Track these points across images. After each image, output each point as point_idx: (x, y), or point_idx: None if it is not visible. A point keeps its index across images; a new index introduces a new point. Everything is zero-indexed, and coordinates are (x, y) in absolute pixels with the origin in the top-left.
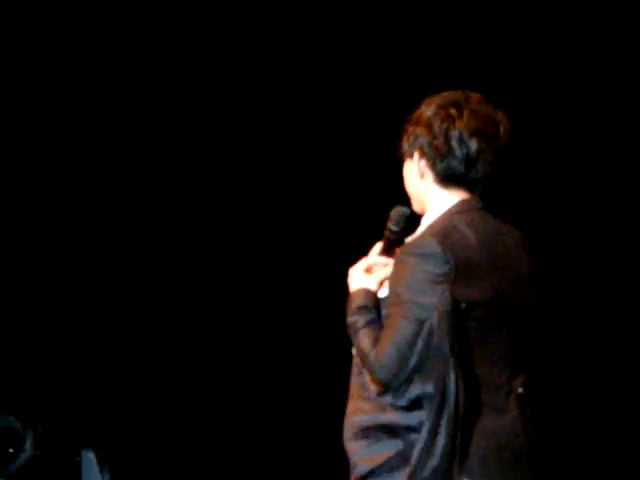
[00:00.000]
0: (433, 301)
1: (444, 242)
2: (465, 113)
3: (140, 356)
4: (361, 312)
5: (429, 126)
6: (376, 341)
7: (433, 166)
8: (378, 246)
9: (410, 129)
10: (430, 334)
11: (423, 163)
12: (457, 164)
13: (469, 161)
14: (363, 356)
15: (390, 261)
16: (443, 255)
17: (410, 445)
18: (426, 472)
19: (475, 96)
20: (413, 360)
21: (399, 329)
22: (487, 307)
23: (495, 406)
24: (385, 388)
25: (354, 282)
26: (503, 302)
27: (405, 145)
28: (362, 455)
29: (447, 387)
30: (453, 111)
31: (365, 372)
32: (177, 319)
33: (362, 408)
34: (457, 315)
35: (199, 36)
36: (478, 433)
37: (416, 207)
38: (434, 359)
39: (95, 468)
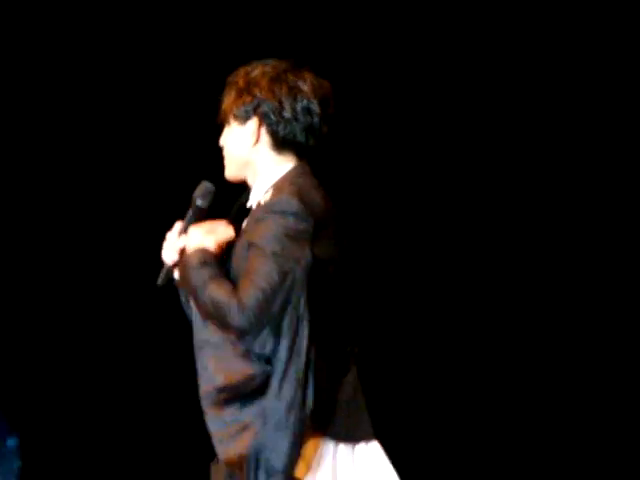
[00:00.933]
0: (296, 255)
1: (302, 201)
2: (308, 83)
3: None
4: (205, 266)
5: (272, 92)
6: (232, 290)
7: (274, 132)
8: (179, 224)
9: (246, 94)
10: (291, 288)
11: (263, 128)
12: (299, 132)
13: (310, 130)
14: (217, 305)
15: (216, 226)
16: (304, 212)
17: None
18: (273, 421)
19: (305, 67)
20: (274, 308)
21: (264, 275)
22: (335, 267)
23: (341, 364)
24: (243, 334)
25: (190, 242)
26: (342, 264)
27: (239, 109)
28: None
29: (299, 343)
30: (297, 79)
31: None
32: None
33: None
34: (314, 272)
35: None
36: (326, 390)
37: (236, 172)
38: (290, 313)
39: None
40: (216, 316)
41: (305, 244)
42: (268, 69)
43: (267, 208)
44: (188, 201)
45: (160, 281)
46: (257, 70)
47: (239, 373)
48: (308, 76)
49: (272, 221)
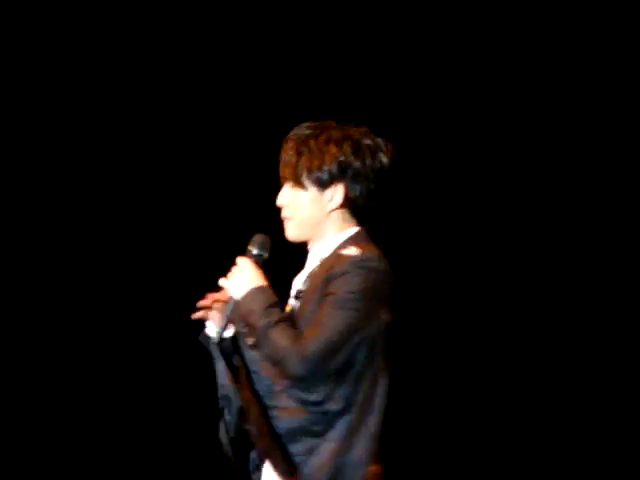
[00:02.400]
0: (372, 314)
1: (387, 262)
2: (385, 148)
3: None
4: (271, 311)
5: (357, 156)
6: (296, 337)
7: (354, 197)
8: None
9: (327, 157)
10: (358, 345)
11: (340, 187)
12: (367, 195)
13: (374, 195)
14: (279, 351)
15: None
16: (389, 273)
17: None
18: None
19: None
20: (335, 364)
21: (334, 328)
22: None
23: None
24: (297, 381)
25: (245, 282)
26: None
27: (322, 173)
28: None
29: (375, 394)
30: (375, 144)
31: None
32: None
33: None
34: (390, 331)
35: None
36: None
37: (305, 235)
38: (366, 367)
39: None
40: (275, 361)
41: (384, 304)
42: (338, 132)
43: (354, 262)
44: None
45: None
46: (330, 132)
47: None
48: (381, 141)
49: (356, 276)
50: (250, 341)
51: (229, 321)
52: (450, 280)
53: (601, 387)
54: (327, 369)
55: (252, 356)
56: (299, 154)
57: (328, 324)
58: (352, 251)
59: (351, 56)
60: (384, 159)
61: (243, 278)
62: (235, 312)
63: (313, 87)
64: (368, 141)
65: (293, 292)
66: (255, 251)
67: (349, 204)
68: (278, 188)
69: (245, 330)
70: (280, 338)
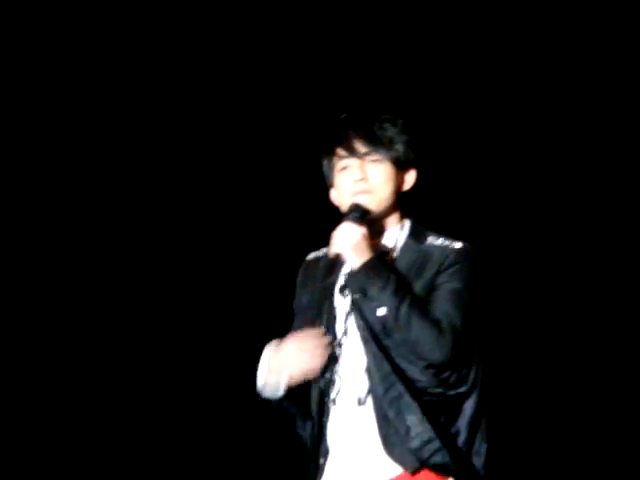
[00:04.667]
0: (474, 303)
1: None
2: None
3: None
4: (400, 290)
5: (420, 137)
6: (432, 320)
7: (416, 177)
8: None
9: (411, 140)
10: (475, 328)
11: (413, 171)
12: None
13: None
14: (418, 332)
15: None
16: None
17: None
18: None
19: None
20: (466, 349)
21: (463, 319)
22: None
23: None
24: (435, 364)
25: (361, 250)
26: None
27: (408, 153)
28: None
29: (478, 376)
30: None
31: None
32: None
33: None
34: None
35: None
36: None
37: (381, 210)
38: (480, 349)
39: None
40: (416, 345)
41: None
42: (390, 113)
43: (464, 253)
44: None
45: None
46: (387, 114)
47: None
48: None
49: (466, 267)
50: (382, 311)
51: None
52: None
53: (601, 387)
54: (460, 355)
55: (387, 329)
56: (379, 132)
57: (458, 313)
58: (449, 243)
59: (351, 57)
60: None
61: (357, 244)
62: (355, 283)
63: (311, 88)
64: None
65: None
66: (357, 214)
67: (409, 188)
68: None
69: (370, 303)
70: (418, 319)
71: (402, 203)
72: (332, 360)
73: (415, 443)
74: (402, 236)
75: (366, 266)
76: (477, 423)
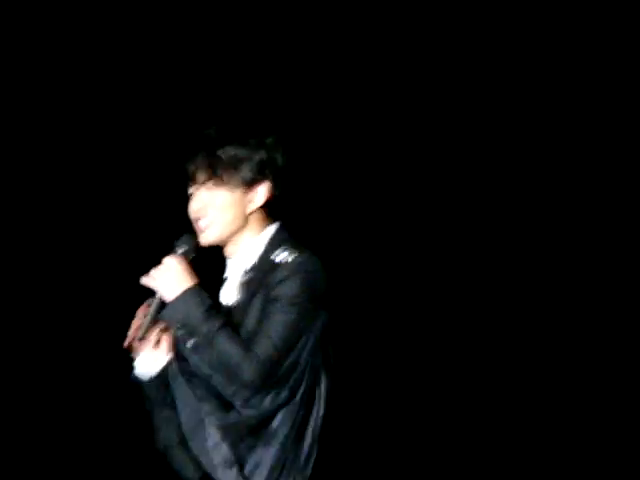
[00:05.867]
0: (315, 315)
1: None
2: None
3: None
4: (212, 314)
5: (277, 151)
6: (243, 344)
7: (274, 192)
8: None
9: (250, 153)
10: (304, 347)
11: (263, 186)
12: (283, 191)
13: (287, 190)
14: (231, 358)
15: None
16: (325, 275)
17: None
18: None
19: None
20: (285, 367)
21: (282, 334)
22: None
23: None
24: (251, 388)
25: (176, 283)
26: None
27: (245, 172)
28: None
29: (317, 395)
30: (273, 137)
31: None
32: None
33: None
34: (326, 329)
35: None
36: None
37: (226, 237)
38: (310, 364)
39: None
40: (225, 368)
41: (323, 304)
42: (250, 132)
43: (291, 267)
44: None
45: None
46: (244, 133)
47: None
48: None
49: (296, 280)
50: (190, 344)
51: (154, 322)
52: (446, 280)
53: (600, 387)
54: (278, 373)
55: (196, 360)
56: (219, 155)
57: (277, 330)
58: (286, 256)
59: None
60: (285, 157)
61: (173, 278)
62: (168, 315)
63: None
64: (271, 140)
65: (225, 302)
66: (181, 250)
67: (270, 200)
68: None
69: (183, 333)
70: (229, 344)
71: (271, 210)
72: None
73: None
74: (258, 250)
75: (178, 298)
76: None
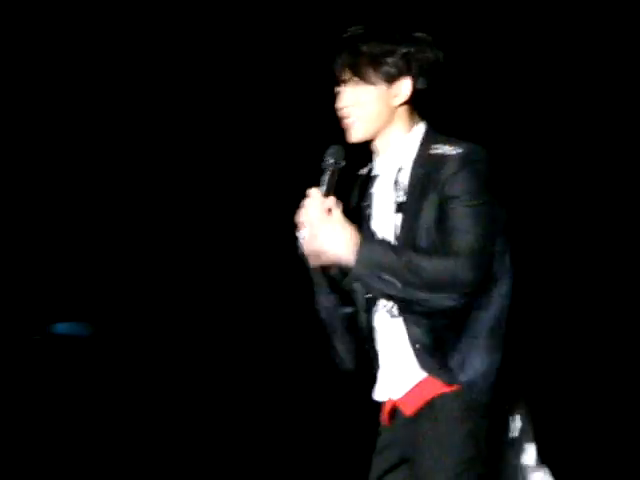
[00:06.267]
0: (497, 198)
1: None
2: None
3: None
4: (397, 250)
5: (426, 45)
6: (441, 254)
7: (416, 86)
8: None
9: (395, 48)
10: (500, 231)
11: (406, 81)
12: (430, 89)
13: (435, 90)
14: (442, 272)
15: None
16: (493, 164)
17: None
18: None
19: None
20: (491, 254)
21: (479, 226)
22: None
23: None
24: (473, 286)
25: (345, 241)
26: None
27: (388, 66)
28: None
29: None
30: (428, 37)
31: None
32: None
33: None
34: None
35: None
36: None
37: (371, 133)
38: (504, 251)
39: None
40: (441, 284)
41: (498, 195)
42: (394, 31)
43: (462, 160)
44: None
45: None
46: (388, 30)
47: None
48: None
49: (469, 171)
50: (398, 284)
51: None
52: None
53: (601, 387)
54: (489, 261)
55: (409, 293)
56: (362, 52)
57: (470, 223)
58: (449, 150)
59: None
60: (438, 53)
61: (338, 238)
62: (359, 275)
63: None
64: (421, 35)
65: (380, 203)
66: (331, 160)
67: (414, 100)
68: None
69: (386, 279)
70: (433, 262)
71: (417, 107)
72: None
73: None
74: (412, 147)
75: (359, 258)
76: (495, 330)
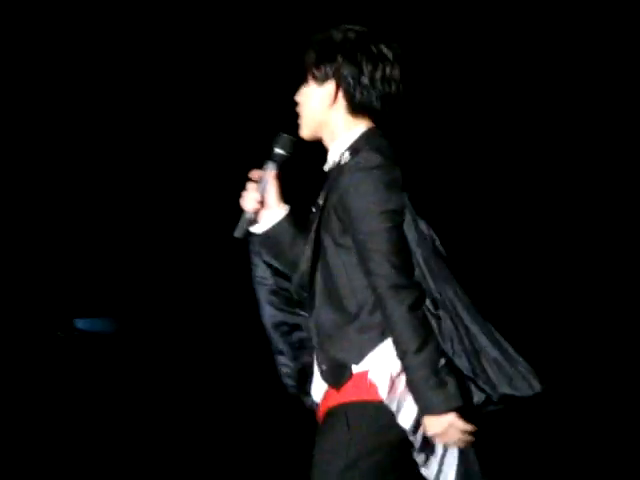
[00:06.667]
0: (398, 202)
1: (383, 155)
2: (392, 52)
3: None
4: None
5: (353, 57)
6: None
7: (350, 96)
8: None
9: (327, 56)
10: (404, 235)
11: (340, 92)
12: (375, 99)
13: (386, 98)
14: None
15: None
16: (387, 164)
17: None
18: None
19: (389, 36)
20: (407, 255)
21: (386, 241)
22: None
23: None
24: (413, 293)
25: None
26: None
27: (319, 70)
28: None
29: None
30: (381, 47)
31: None
32: None
33: None
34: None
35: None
36: None
37: (310, 131)
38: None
39: None
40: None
41: (399, 190)
42: (352, 35)
43: (351, 170)
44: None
45: (239, 233)
46: (341, 34)
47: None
48: (392, 45)
49: (362, 180)
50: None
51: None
52: None
53: (601, 387)
54: (408, 267)
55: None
56: (309, 54)
57: (376, 241)
58: (346, 160)
59: None
60: (390, 66)
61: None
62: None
63: None
64: (375, 46)
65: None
66: (278, 150)
67: (351, 104)
68: None
69: None
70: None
71: (358, 111)
72: None
73: None
74: (338, 151)
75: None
76: None
